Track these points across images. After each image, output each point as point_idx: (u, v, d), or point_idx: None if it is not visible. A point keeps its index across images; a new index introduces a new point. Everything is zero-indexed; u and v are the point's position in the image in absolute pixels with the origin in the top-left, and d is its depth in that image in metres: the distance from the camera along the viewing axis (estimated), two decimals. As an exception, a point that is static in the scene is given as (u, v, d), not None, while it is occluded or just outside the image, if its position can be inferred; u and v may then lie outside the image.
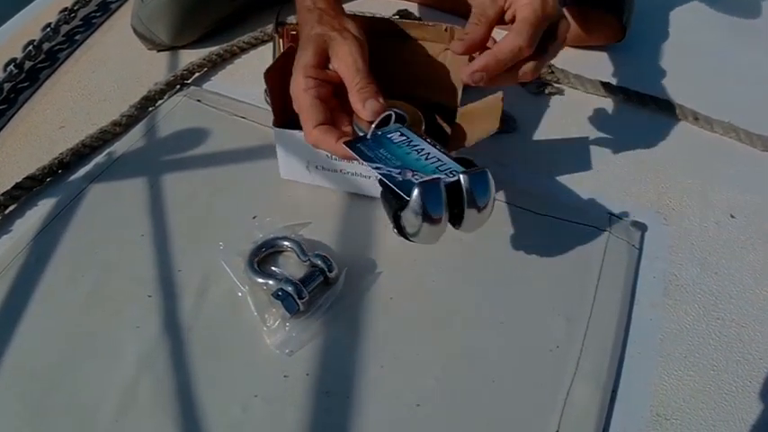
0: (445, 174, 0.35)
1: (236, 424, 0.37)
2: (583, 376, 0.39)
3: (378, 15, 0.60)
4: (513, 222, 0.48)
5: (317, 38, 0.41)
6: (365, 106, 0.39)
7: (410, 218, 0.34)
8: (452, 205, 0.35)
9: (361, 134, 0.40)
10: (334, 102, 0.42)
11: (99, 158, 0.53)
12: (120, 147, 0.54)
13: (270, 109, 0.56)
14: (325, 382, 0.39)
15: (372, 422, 0.38)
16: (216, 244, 0.45)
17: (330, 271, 0.43)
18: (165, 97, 0.59)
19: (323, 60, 0.41)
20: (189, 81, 0.61)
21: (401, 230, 0.35)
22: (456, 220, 0.36)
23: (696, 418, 0.39)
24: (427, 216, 0.34)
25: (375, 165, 0.36)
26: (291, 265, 0.44)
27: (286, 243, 0.45)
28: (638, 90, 0.61)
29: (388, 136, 0.39)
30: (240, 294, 0.43)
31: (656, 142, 0.57)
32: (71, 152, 0.53)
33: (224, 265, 0.44)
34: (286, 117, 0.46)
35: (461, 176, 0.34)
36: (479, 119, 0.46)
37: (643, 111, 0.60)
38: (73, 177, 0.52)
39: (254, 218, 0.48)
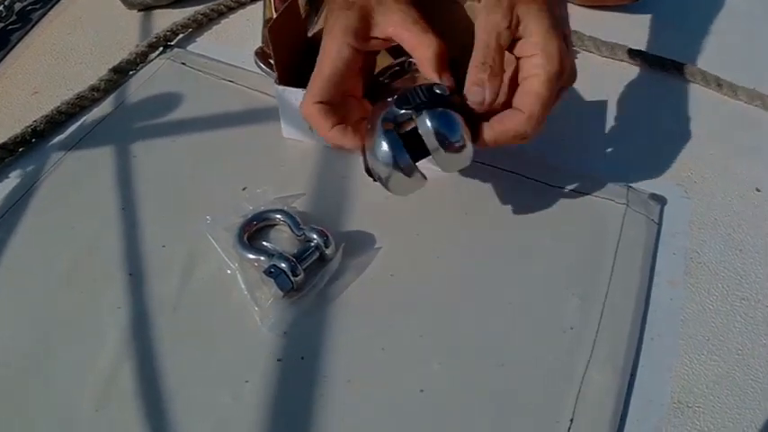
0: None
1: (225, 411, 0.35)
2: (599, 360, 0.38)
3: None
4: (523, 195, 0.46)
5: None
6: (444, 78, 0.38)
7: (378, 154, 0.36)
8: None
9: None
10: (357, 79, 0.40)
11: (75, 126, 0.51)
12: (99, 113, 0.52)
13: (260, 72, 0.54)
14: (322, 366, 0.37)
15: (373, 409, 0.36)
16: (202, 217, 0.43)
17: (326, 246, 0.41)
18: (147, 60, 0.56)
19: (367, 28, 0.39)
20: (172, 42, 0.58)
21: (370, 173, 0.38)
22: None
23: (720, 406, 0.37)
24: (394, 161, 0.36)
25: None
26: (284, 240, 0.42)
27: (278, 216, 0.43)
28: (658, 54, 0.57)
29: None
30: (229, 272, 0.41)
31: (677, 110, 0.54)
32: (45, 120, 0.50)
33: (211, 241, 0.42)
34: (290, 74, 0.44)
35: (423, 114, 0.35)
36: None
37: (663, 76, 0.57)
38: (47, 147, 0.49)
39: (243, 189, 0.46)
